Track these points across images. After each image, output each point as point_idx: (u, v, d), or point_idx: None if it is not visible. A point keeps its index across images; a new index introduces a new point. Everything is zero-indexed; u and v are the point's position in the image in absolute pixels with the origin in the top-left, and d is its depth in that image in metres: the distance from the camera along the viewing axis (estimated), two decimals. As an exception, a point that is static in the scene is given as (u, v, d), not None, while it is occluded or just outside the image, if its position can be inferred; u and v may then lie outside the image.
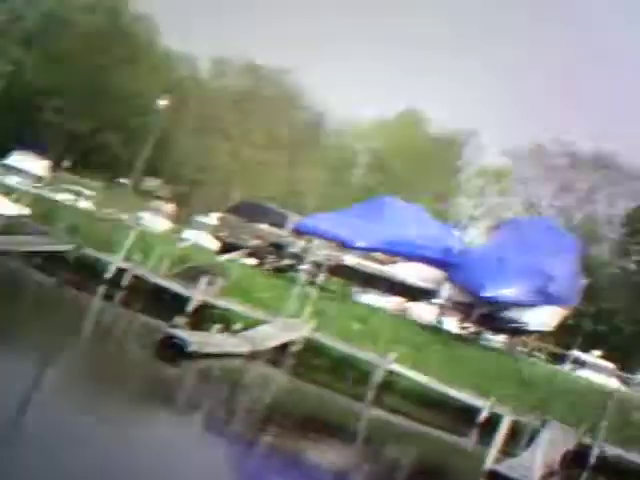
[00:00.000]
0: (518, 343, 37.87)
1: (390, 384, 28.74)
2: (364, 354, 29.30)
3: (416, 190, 67.05)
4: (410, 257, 35.54)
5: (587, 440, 26.84)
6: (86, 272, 29.94)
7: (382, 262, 35.95)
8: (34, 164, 49.64)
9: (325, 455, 18.24)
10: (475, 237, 68.46)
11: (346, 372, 28.58)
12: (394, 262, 35.92)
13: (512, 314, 32.85)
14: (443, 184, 77.16)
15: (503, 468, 19.88)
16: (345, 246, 35.04)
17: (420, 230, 36.38)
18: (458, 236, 44.38)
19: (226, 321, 26.96)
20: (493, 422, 23.30)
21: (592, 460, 26.53)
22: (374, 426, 25.19)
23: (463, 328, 35.49)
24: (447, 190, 77.82)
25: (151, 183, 62.92)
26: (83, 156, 62.58)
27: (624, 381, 44.08)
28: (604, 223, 70.43)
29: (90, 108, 63.86)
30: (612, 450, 26.86)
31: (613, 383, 38.50)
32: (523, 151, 71.55)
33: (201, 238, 40.91)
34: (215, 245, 40.15)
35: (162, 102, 50.93)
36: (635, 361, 57.27)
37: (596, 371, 41.22)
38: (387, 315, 37.27)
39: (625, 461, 26.80)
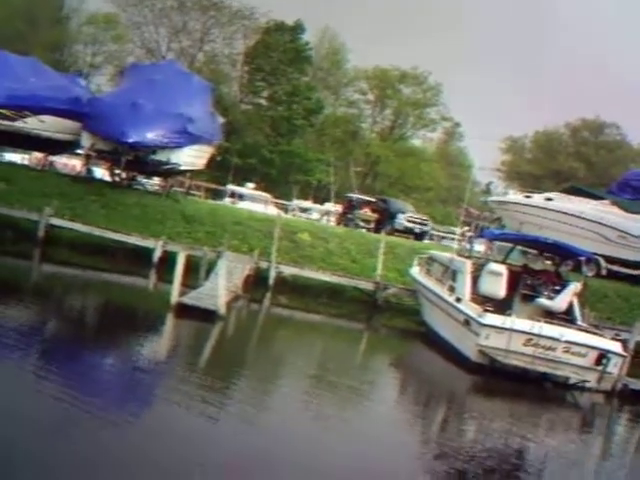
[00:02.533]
0: (174, 184, 38.37)
1: (55, 238, 27.97)
2: (18, 212, 28.19)
3: (25, 41, 62.41)
4: (38, 110, 33.79)
5: (263, 264, 28.65)
6: None
7: (11, 118, 33.67)
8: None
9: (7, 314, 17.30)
10: (101, 85, 66.52)
11: (4, 232, 27.01)
12: (23, 117, 33.85)
13: (160, 157, 33.01)
14: (52, 34, 72.69)
15: (190, 300, 20.66)
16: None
17: (42, 82, 34.58)
18: (84, 85, 42.73)
19: None
20: (169, 260, 23.86)
21: (271, 281, 28.48)
22: (50, 281, 24.50)
23: (114, 175, 35.06)
24: (59, 40, 73.60)
25: None
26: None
27: (282, 208, 47.28)
28: (226, 63, 72.47)
29: None
30: (288, 269, 29.12)
31: (272, 211, 41.04)
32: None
33: None
34: None
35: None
36: (287, 188, 61.51)
37: (254, 202, 43.48)
38: (31, 171, 35.83)
39: (301, 278, 29.15)
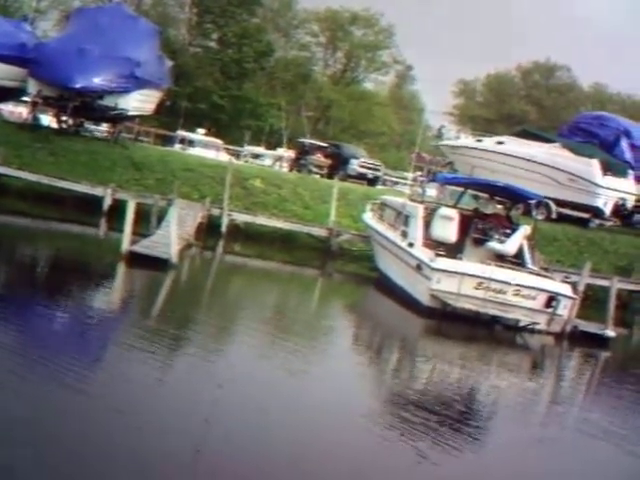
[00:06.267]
0: (122, 130, 37.63)
1: (2, 187, 27.41)
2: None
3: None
4: (-17, 57, 32.83)
5: (216, 211, 28.43)
6: None
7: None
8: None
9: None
10: (47, 30, 64.40)
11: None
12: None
13: (107, 102, 32.41)
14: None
15: (141, 248, 20.33)
16: None
17: (-14, 28, 33.64)
18: (30, 30, 41.48)
19: None
20: (120, 208, 23.45)
21: (224, 229, 28.33)
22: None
23: (61, 122, 34.30)
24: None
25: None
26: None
27: (234, 154, 46.72)
28: (174, 5, 70.93)
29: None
30: (240, 216, 28.97)
31: (224, 157, 40.56)
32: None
33: None
34: None
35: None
36: (239, 134, 60.66)
37: (205, 148, 42.93)
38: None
39: (254, 226, 29.09)
